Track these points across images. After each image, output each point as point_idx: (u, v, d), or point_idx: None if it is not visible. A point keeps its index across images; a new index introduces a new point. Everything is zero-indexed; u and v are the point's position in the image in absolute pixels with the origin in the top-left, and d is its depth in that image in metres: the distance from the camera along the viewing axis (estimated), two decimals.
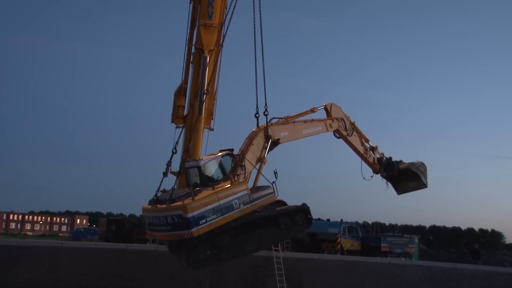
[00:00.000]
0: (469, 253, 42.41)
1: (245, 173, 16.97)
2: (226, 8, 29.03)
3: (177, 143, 16.85)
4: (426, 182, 24.03)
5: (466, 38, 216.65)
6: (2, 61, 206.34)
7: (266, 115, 18.13)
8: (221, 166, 16.76)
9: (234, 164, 16.89)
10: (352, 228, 36.28)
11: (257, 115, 18.16)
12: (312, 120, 20.56)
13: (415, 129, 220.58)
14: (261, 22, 18.87)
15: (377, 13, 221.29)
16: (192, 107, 24.79)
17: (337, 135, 21.84)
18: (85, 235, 45.72)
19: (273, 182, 16.94)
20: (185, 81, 28.47)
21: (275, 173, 16.86)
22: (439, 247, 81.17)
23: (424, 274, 26.93)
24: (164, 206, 15.36)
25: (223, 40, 28.63)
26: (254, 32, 18.70)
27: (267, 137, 18.05)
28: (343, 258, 27.93)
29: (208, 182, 16.20)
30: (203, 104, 24.15)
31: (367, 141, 23.06)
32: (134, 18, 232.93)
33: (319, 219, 38.06)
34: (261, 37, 18.76)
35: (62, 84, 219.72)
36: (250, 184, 17.11)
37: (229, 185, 15.89)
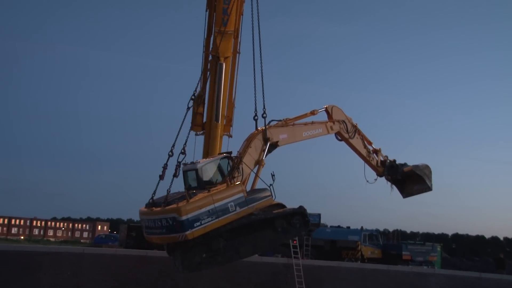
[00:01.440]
0: (493, 262, 41.52)
1: (242, 176, 16.80)
2: (242, 15, 29.30)
3: (173, 146, 16.77)
4: (431, 185, 23.60)
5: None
6: (18, 69, 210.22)
7: (264, 118, 18.05)
8: (218, 169, 16.71)
9: (231, 167, 16.77)
10: (373, 236, 35.87)
11: (256, 117, 18.16)
12: (313, 122, 20.32)
13: (440, 137, 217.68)
14: (259, 25, 18.72)
15: (397, 20, 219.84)
16: (210, 114, 25.00)
17: (339, 138, 21.55)
18: (106, 242, 46.23)
19: (271, 184, 16.85)
20: (203, 89, 28.74)
21: (273, 175, 16.82)
22: (463, 255, 79.70)
23: (447, 283, 26.48)
24: (159, 209, 15.39)
25: (239, 46, 28.86)
26: (253, 35, 18.62)
27: (266, 140, 17.88)
28: (363, 266, 27.66)
29: (205, 185, 16.08)
30: (219, 111, 24.30)
31: (370, 143, 22.69)
32: (149, 25, 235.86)
33: (339, 226, 37.79)
34: (259, 40, 19.37)
35: (79, 91, 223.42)
36: (249, 187, 17.04)
37: (224, 188, 15.84)
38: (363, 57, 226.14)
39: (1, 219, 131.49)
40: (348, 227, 37.99)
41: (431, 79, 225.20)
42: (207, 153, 28.22)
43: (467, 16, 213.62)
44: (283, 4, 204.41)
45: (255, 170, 17.51)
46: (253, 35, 18.73)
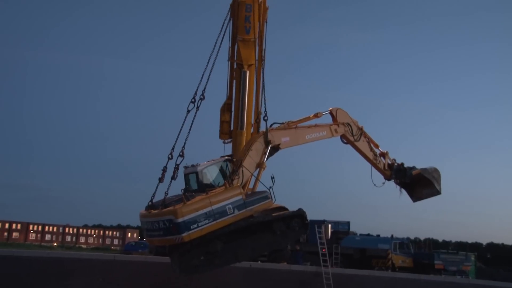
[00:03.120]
0: None
1: (242, 179, 16.60)
2: (266, 22, 29.39)
3: (172, 149, 16.61)
4: (440, 188, 23.12)
5: None
6: (47, 81, 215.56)
7: (265, 120, 17.96)
8: (219, 172, 16.67)
9: (231, 169, 16.67)
10: (404, 244, 35.22)
11: (257, 120, 18.03)
12: (316, 125, 20.05)
13: (471, 142, 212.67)
14: (259, 29, 18.37)
15: (425, 27, 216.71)
16: (236, 122, 25.12)
17: (344, 141, 21.24)
18: (136, 249, 46.69)
19: (270, 187, 16.67)
20: (229, 97, 28.90)
21: (272, 178, 16.69)
22: (498, 265, 77.21)
23: None
24: (156, 211, 15.40)
25: (264, 54, 28.94)
26: (255, 38, 18.26)
27: (267, 143, 17.70)
28: (394, 275, 27.18)
29: (205, 188, 15.98)
30: (244, 119, 24.40)
31: (377, 146, 22.35)
32: (170, 32, 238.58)
33: (368, 234, 37.22)
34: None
35: (104, 100, 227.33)
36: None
37: (222, 190, 15.71)
38: (390, 64, 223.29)
39: (35, 226, 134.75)
40: (378, 235, 37.39)
41: (463, 88, 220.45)
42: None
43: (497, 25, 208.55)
44: (307, 11, 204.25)
45: (256, 173, 17.28)
46: (255, 39, 18.44)
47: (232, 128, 24.47)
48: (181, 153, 16.42)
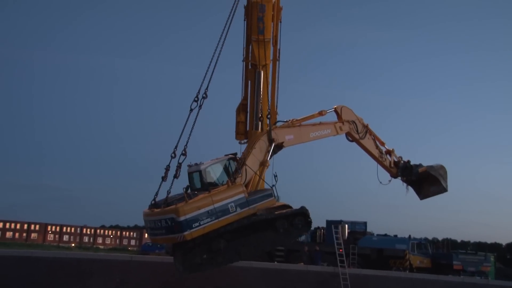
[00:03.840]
0: None
1: (245, 177, 16.51)
2: (280, 22, 29.29)
3: (176, 147, 16.44)
4: (446, 186, 23.06)
5: None
6: (69, 82, 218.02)
7: (269, 118, 17.88)
8: (223, 170, 16.61)
9: (235, 168, 16.60)
10: (421, 245, 34.88)
11: (261, 118, 17.90)
12: (320, 123, 19.96)
13: (492, 143, 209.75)
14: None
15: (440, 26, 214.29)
16: (252, 122, 25.11)
17: (350, 139, 21.21)
18: (152, 250, 47.01)
19: (273, 185, 16.64)
20: (245, 98, 28.91)
21: (275, 176, 16.64)
22: None
23: None
24: (159, 210, 15.40)
25: (279, 54, 28.87)
26: (270, 38, 18.00)
27: (270, 141, 17.59)
28: (412, 275, 26.91)
29: (209, 186, 15.96)
30: (258, 119, 24.36)
31: (383, 144, 22.27)
32: (186, 33, 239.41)
33: (385, 234, 36.92)
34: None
35: (122, 100, 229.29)
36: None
37: (225, 189, 15.65)
38: (410, 64, 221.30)
39: (54, 227, 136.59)
40: (395, 236, 37.07)
41: (483, 87, 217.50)
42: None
43: None
44: (326, 10, 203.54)
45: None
46: (263, 39, 18.19)
47: (248, 129, 24.48)
48: (183, 152, 16.30)
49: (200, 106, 17.38)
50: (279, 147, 18.06)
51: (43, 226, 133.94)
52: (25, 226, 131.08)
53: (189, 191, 15.68)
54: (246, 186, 16.55)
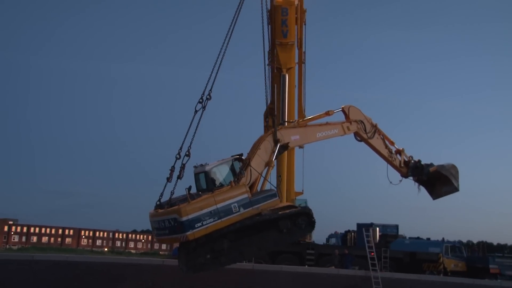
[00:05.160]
0: None
1: (250, 178, 16.53)
2: (305, 24, 29.11)
3: (180, 148, 16.60)
4: (458, 185, 22.80)
5: None
6: (114, 91, 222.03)
7: (274, 119, 17.85)
8: (229, 171, 16.62)
9: (239, 168, 16.60)
10: (456, 248, 34.00)
11: (267, 119, 17.74)
12: (327, 123, 19.87)
13: None
14: (268, 29, 18.03)
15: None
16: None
17: (358, 138, 21.13)
18: None
19: (277, 185, 16.75)
20: (272, 101, 28.92)
21: (279, 176, 16.40)
22: None
23: None
24: (163, 210, 15.55)
25: (304, 56, 28.71)
26: (263, 39, 17.88)
27: (276, 141, 17.55)
28: (447, 279, 26.30)
29: (214, 187, 16.04)
30: (284, 121, 24.30)
31: (392, 143, 22.05)
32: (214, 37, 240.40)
33: (418, 237, 36.19)
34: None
35: (155, 108, 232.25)
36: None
37: (228, 189, 15.69)
38: (436, 63, 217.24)
39: (87, 232, 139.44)
40: (428, 239, 36.31)
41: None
42: (282, 164, 28.27)
43: None
44: (343, 12, 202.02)
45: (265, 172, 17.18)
46: (263, 39, 18.13)
47: None
48: (187, 153, 16.50)
49: (204, 107, 17.55)
50: (284, 147, 18.12)
51: (77, 231, 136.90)
52: (60, 231, 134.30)
53: (192, 191, 15.83)
54: (252, 186, 16.67)
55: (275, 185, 16.80)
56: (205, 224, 14.95)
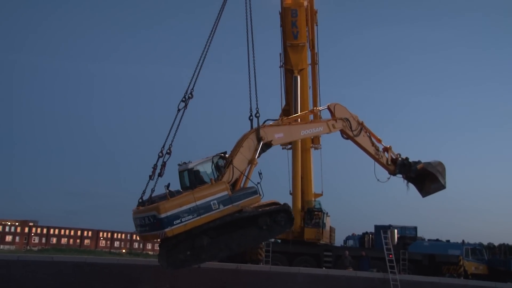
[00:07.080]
0: None
1: (232, 175, 16.59)
2: (317, 25, 28.97)
3: (163, 147, 16.78)
4: (445, 182, 22.84)
5: None
6: (111, 89, 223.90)
7: (257, 117, 17.88)
8: (212, 168, 16.78)
9: (222, 166, 16.74)
10: (476, 250, 33.50)
11: (251, 117, 17.92)
12: (312, 121, 20.09)
13: None
14: (252, 23, 18.01)
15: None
16: None
17: (344, 136, 21.25)
18: None
19: (258, 183, 16.65)
20: (287, 103, 28.88)
21: (260, 174, 16.67)
22: None
23: None
24: (143, 207, 15.80)
25: (317, 57, 28.61)
26: (247, 36, 17.93)
27: (259, 139, 17.65)
28: (467, 282, 25.90)
29: (198, 184, 16.22)
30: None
31: (379, 141, 22.11)
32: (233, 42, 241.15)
33: (437, 239, 35.73)
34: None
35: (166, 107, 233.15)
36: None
37: (207, 186, 15.86)
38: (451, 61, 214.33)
39: (105, 233, 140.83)
40: (448, 241, 35.81)
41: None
42: (296, 165, 28.17)
43: None
44: (369, 13, 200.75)
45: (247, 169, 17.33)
46: (247, 36, 18.09)
47: None
48: (168, 151, 16.73)
49: (186, 106, 17.63)
50: (267, 145, 18.22)
51: (95, 233, 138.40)
52: (79, 233, 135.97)
53: (172, 189, 16.01)
54: (235, 184, 16.76)
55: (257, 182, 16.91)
56: (184, 221, 15.19)
